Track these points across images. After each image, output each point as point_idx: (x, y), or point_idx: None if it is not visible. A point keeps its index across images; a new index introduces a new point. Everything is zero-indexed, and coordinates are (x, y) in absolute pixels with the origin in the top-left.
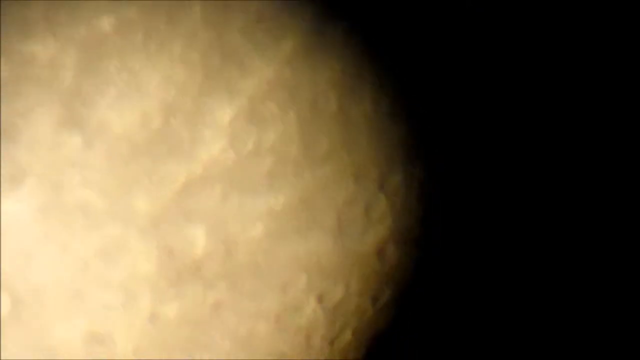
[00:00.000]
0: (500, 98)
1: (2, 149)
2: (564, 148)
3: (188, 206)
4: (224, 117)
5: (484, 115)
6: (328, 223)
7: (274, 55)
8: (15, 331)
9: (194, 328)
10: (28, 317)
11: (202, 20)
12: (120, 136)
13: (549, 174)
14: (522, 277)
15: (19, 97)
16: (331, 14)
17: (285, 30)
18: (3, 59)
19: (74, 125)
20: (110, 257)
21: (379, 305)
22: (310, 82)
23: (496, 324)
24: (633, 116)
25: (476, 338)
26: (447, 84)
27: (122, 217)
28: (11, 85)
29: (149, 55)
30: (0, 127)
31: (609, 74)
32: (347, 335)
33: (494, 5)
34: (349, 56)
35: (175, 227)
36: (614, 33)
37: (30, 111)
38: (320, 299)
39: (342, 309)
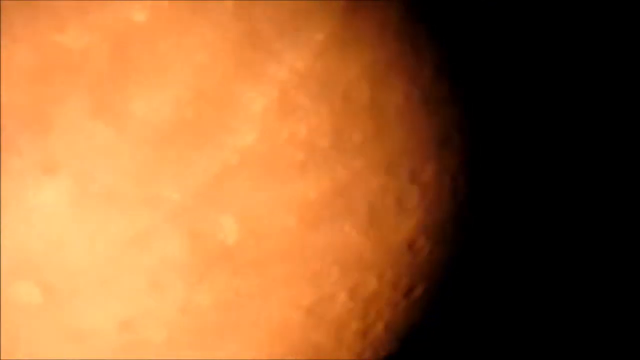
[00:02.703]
0: (535, 89)
1: (34, 138)
2: (599, 140)
3: (219, 194)
4: (255, 107)
5: (518, 106)
6: (360, 214)
7: (306, 46)
8: (47, 318)
9: (225, 316)
10: (60, 305)
11: (234, 10)
12: (151, 124)
13: (583, 164)
14: (554, 271)
15: (51, 86)
16: (363, 4)
17: (317, 21)
18: (34, 49)
19: (105, 113)
20: (141, 244)
21: (412, 298)
22: (342, 74)
23: (528, 318)
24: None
25: (508, 331)
26: (481, 74)
27: (153, 204)
28: (42, 75)
29: (180, 44)
30: (32, 117)
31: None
32: (379, 328)
33: None
34: (381, 47)
35: (206, 215)
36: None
37: (61, 100)
38: (352, 290)
39: (375, 301)
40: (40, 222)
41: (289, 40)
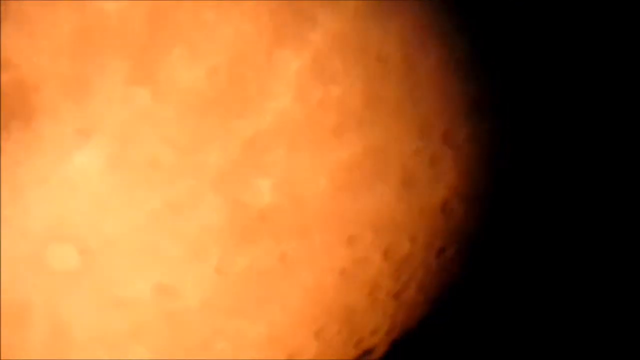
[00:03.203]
0: (570, 58)
1: (73, 102)
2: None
3: (255, 159)
4: (290, 70)
5: (551, 73)
6: (394, 177)
7: (341, 9)
8: (85, 283)
9: (261, 280)
10: (98, 269)
11: None
12: (190, 90)
13: (614, 139)
14: (586, 236)
15: (90, 51)
16: None
17: None
18: (73, 13)
19: (144, 79)
20: (179, 210)
21: (444, 259)
22: (376, 37)
23: (562, 282)
24: None
25: (542, 294)
26: (516, 39)
27: (192, 170)
28: (82, 40)
29: (219, 9)
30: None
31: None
32: (412, 290)
33: None
34: (416, 10)
35: (243, 180)
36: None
37: (101, 65)
38: (386, 253)
39: (407, 263)
40: (79, 187)
41: (324, 4)
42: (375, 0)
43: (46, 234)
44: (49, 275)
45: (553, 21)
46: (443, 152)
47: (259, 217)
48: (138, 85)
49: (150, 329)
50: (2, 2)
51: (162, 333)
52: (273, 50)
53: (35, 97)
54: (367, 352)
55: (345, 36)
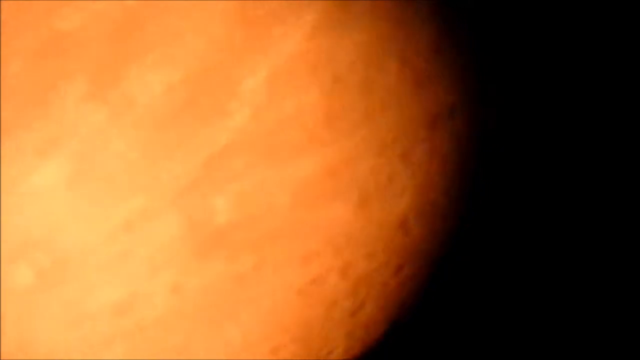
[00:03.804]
0: (528, 69)
1: (30, 121)
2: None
3: (212, 177)
4: (247, 89)
5: (511, 85)
6: (351, 195)
7: (298, 27)
8: (41, 301)
9: (216, 299)
10: (55, 289)
11: None
12: (145, 107)
13: (576, 150)
14: (549, 252)
15: (46, 70)
16: None
17: (309, 1)
18: (30, 33)
19: (100, 97)
20: (135, 227)
21: (402, 277)
22: (333, 54)
23: (520, 300)
24: None
25: (499, 312)
26: (474, 54)
27: (147, 187)
28: (38, 58)
29: (173, 27)
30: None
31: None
32: (369, 308)
33: None
34: (373, 27)
35: (199, 198)
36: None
37: (57, 84)
38: (343, 271)
39: (365, 281)
40: (35, 205)
41: (280, 21)
42: (333, 17)
43: (9, 250)
44: (14, 291)
45: (512, 36)
46: (401, 170)
47: (215, 235)
48: (94, 102)
49: (108, 346)
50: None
51: (119, 350)
52: (229, 67)
53: None
54: None
55: (302, 54)
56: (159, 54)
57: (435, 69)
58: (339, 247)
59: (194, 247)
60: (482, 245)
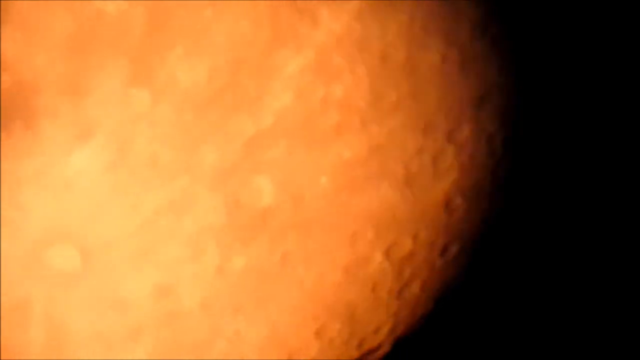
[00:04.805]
0: (572, 49)
1: (72, 104)
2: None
3: (256, 159)
4: (291, 70)
5: (555, 66)
6: (396, 175)
7: (343, 8)
8: (85, 284)
9: (261, 280)
10: (97, 270)
11: None
12: (189, 90)
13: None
14: (592, 233)
15: (89, 52)
16: None
17: None
18: (73, 16)
19: (142, 80)
20: (179, 210)
21: (447, 257)
22: (378, 35)
23: (563, 278)
24: None
25: (543, 291)
26: (519, 33)
27: (191, 170)
28: (81, 41)
29: (220, 10)
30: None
31: None
32: (415, 288)
33: None
34: (418, 7)
35: (243, 180)
36: None
37: (100, 66)
38: (388, 251)
39: (410, 261)
40: (79, 187)
41: (326, 3)
42: (377, 0)
43: (46, 235)
44: (48, 276)
45: (559, 16)
46: (446, 150)
47: (259, 216)
48: (137, 86)
49: (149, 330)
50: (0, 4)
51: (161, 333)
52: (273, 49)
53: (34, 98)
54: (370, 351)
55: (347, 35)
56: (202, 35)
57: (480, 49)
58: (383, 228)
59: (238, 228)
60: (525, 224)
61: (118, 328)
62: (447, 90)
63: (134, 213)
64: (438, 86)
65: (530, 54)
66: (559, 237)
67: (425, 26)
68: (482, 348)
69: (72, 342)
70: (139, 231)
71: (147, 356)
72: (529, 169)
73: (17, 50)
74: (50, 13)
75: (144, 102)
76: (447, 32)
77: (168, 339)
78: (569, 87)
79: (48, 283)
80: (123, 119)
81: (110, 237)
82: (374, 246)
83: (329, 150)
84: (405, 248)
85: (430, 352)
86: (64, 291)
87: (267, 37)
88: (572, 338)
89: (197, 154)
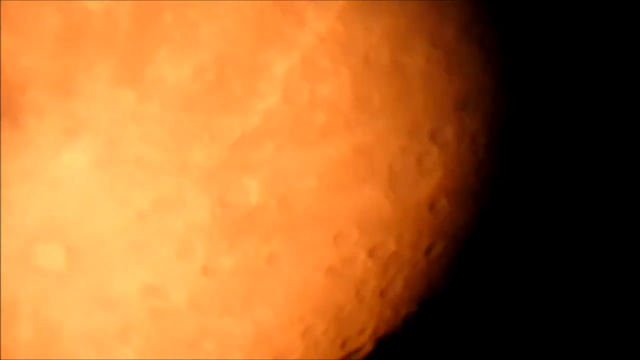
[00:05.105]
0: (556, 51)
1: (59, 102)
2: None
3: (243, 158)
4: (278, 70)
5: (539, 67)
6: (380, 176)
7: (328, 10)
8: (73, 282)
9: (248, 279)
10: (85, 269)
11: None
12: (175, 89)
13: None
14: (576, 232)
15: (76, 51)
16: None
17: None
18: (60, 14)
19: (129, 79)
20: (166, 209)
21: (431, 257)
22: (363, 36)
23: (548, 279)
24: None
25: (527, 290)
26: (503, 35)
27: (178, 169)
28: (68, 40)
29: (207, 9)
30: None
31: None
32: (399, 287)
33: None
34: (402, 9)
35: (230, 179)
36: None
37: (87, 65)
38: (372, 250)
39: (394, 261)
40: (66, 185)
41: (312, 4)
42: (361, 1)
43: (33, 233)
44: (36, 274)
45: (544, 17)
46: (430, 150)
47: (246, 216)
48: (123, 85)
49: (137, 329)
50: None
51: (149, 333)
52: (259, 49)
53: (22, 96)
54: (354, 351)
55: (331, 37)
56: (188, 35)
57: (465, 50)
58: (368, 228)
59: (225, 228)
60: (510, 224)
61: (107, 326)
62: (432, 92)
63: (122, 211)
64: (422, 87)
65: (515, 55)
66: (543, 237)
67: (410, 27)
68: (465, 348)
69: (61, 341)
70: (126, 230)
71: (135, 355)
72: (513, 169)
73: (4, 48)
74: (38, 12)
75: (131, 100)
76: (432, 33)
77: (156, 338)
78: (553, 88)
79: (36, 281)
80: (110, 118)
81: (98, 236)
82: (358, 246)
83: (315, 151)
84: (389, 248)
85: (413, 352)
86: (52, 289)
87: (253, 37)
88: (557, 337)
89: (185, 153)
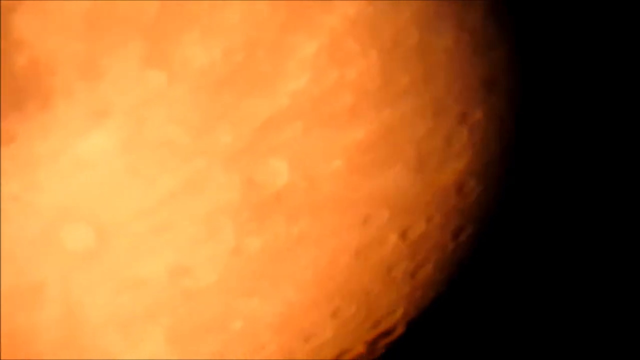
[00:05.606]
0: (585, 33)
1: (88, 83)
2: None
3: (271, 140)
4: (306, 52)
5: (567, 49)
6: (408, 157)
7: None
8: (100, 264)
9: (276, 259)
10: (113, 250)
11: None
12: (203, 71)
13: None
14: (602, 216)
15: (105, 32)
16: None
17: None
18: None
19: (158, 61)
20: (194, 190)
21: (460, 239)
22: (391, 18)
23: (576, 261)
24: None
25: (555, 272)
26: (530, 17)
27: (207, 151)
28: (96, 21)
29: None
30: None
31: None
32: (428, 269)
33: None
34: None
35: (258, 161)
36: None
37: (116, 47)
38: (401, 233)
39: (424, 243)
40: (94, 167)
41: None
42: None
43: (61, 214)
44: (63, 255)
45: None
46: (458, 132)
47: (274, 197)
48: (152, 67)
49: (167, 309)
50: None
51: (178, 313)
52: (288, 31)
53: (49, 78)
54: (385, 333)
55: (362, 19)
56: (217, 17)
57: (492, 32)
58: (397, 210)
59: (253, 209)
60: (539, 207)
61: (135, 307)
62: (459, 74)
63: (149, 193)
64: (450, 69)
65: (541, 38)
66: (570, 218)
67: (438, 11)
68: (495, 330)
69: (87, 323)
70: (154, 211)
71: (164, 335)
72: (541, 151)
73: (32, 30)
74: None
75: (159, 82)
76: (459, 16)
77: (185, 318)
78: (579, 71)
79: (63, 263)
80: (138, 99)
81: (125, 217)
82: (387, 228)
83: (342, 133)
84: (418, 230)
85: (443, 334)
86: (79, 271)
87: (282, 20)
88: (582, 323)
89: (213, 135)
